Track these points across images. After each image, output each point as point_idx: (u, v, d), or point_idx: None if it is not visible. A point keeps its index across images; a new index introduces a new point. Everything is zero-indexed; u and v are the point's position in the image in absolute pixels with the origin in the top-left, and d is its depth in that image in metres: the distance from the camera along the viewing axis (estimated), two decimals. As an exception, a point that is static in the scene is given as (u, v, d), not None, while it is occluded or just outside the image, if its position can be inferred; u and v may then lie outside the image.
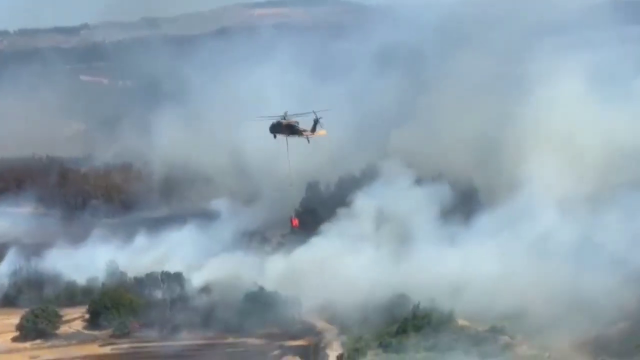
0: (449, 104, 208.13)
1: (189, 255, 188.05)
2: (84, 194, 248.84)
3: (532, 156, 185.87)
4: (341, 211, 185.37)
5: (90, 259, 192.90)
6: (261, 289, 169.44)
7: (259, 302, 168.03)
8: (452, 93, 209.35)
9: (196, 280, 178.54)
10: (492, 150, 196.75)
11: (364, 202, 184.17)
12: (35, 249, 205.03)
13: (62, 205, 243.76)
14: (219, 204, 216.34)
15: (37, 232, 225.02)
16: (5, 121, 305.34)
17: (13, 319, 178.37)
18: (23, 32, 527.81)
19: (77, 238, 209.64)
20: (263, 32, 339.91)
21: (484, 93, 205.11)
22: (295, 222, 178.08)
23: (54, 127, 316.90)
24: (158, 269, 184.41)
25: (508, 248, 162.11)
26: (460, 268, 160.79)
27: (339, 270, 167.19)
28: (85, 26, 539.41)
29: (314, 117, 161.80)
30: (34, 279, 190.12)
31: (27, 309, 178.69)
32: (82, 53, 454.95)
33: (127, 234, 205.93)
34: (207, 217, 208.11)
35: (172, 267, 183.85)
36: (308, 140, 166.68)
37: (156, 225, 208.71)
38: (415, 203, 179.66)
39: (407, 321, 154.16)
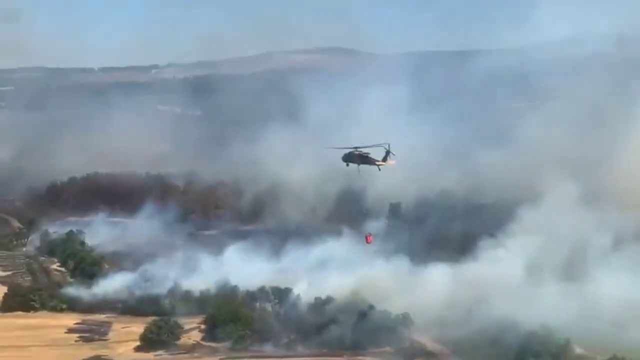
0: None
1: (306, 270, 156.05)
2: (191, 208, 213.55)
3: None
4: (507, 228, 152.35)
5: (204, 270, 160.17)
6: (371, 307, 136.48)
7: (371, 319, 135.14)
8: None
9: (308, 295, 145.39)
10: None
11: (529, 222, 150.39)
12: (149, 259, 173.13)
13: (175, 218, 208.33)
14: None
15: (147, 242, 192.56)
16: (95, 142, 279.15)
17: (134, 327, 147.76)
18: (104, 69, 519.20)
19: (187, 250, 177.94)
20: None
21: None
22: (370, 238, 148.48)
23: (142, 148, 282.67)
24: (275, 283, 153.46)
25: None
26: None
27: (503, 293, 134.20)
28: (155, 66, 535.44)
29: (386, 148, 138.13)
30: (151, 289, 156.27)
31: (147, 318, 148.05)
32: (156, 87, 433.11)
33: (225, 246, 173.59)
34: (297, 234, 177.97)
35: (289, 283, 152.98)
36: (379, 169, 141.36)
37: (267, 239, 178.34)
38: (588, 226, 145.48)
39: (524, 349, 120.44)
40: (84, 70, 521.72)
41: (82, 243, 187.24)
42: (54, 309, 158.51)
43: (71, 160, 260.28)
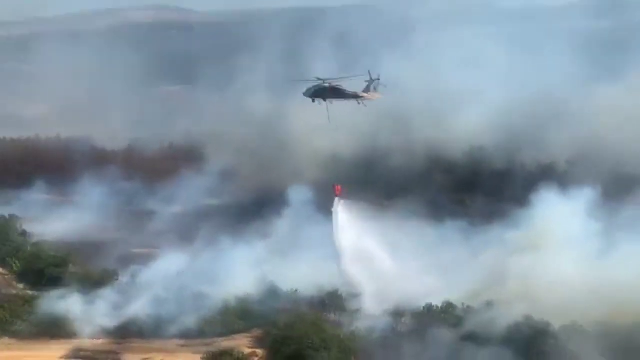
0: None
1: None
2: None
3: None
4: None
5: (225, 268, 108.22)
6: (528, 317, 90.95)
7: (525, 335, 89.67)
8: None
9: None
10: None
11: None
12: (129, 254, 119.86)
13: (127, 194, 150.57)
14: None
15: (103, 230, 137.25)
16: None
17: (157, 358, 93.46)
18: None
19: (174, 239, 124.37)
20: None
21: None
22: (339, 189, 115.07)
23: (21, 109, 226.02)
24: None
25: None
26: None
27: None
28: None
29: (370, 77, 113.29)
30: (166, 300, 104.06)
31: (167, 342, 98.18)
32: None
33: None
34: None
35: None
36: (358, 103, 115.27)
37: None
38: None
39: None
40: None
41: (23, 233, 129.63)
42: (19, 335, 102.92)
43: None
